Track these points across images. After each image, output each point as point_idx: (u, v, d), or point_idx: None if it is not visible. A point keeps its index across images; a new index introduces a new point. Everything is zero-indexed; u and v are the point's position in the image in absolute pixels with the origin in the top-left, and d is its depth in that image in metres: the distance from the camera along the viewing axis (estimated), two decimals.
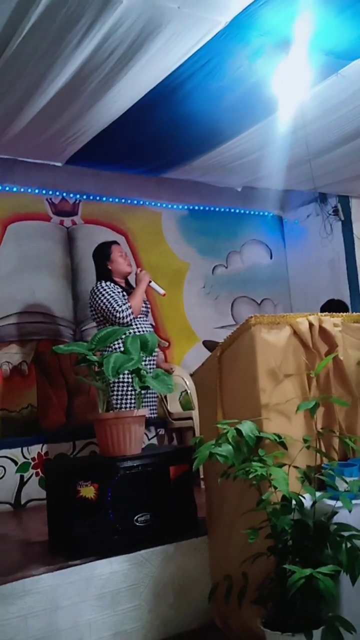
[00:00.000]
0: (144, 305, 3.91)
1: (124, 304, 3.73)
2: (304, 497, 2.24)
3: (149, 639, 2.66)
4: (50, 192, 4.92)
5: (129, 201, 5.29)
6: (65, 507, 2.81)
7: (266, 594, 2.23)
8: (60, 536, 2.88)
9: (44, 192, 4.89)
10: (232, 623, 2.60)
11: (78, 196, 5.04)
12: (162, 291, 4.01)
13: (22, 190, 4.77)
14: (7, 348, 4.55)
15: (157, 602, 2.71)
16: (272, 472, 2.17)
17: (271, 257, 6.09)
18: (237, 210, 5.89)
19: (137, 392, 3.02)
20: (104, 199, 5.17)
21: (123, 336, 3.23)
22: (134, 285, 4.01)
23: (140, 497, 2.79)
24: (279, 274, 6.10)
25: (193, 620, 2.77)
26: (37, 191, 4.85)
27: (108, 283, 3.86)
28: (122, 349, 3.48)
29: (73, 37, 2.84)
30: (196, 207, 5.65)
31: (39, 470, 4.42)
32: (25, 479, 4.37)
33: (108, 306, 3.72)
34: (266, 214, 6.11)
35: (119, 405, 3.62)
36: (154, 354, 3.28)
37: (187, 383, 4.71)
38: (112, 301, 3.73)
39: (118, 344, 3.57)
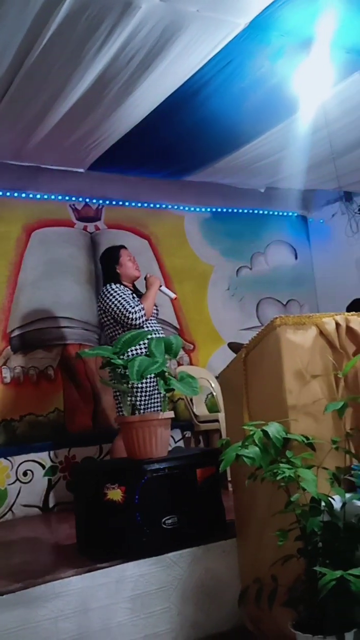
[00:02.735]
0: (154, 308, 3.91)
1: (137, 306, 3.72)
2: (333, 499, 2.22)
3: None
4: (74, 198, 4.96)
5: (152, 205, 5.31)
6: (92, 510, 2.83)
7: (297, 597, 2.21)
8: (88, 539, 2.89)
9: (67, 198, 4.93)
10: (263, 626, 2.58)
11: (101, 201, 5.08)
12: (172, 295, 4.03)
13: (45, 197, 4.82)
14: (34, 353, 4.60)
15: (187, 605, 2.70)
16: (300, 473, 2.16)
17: (296, 258, 6.05)
18: (261, 211, 5.87)
19: (162, 394, 3.02)
20: (127, 203, 5.20)
21: (146, 339, 3.22)
22: (140, 290, 4.01)
23: (167, 500, 2.78)
24: (304, 274, 6.06)
25: (223, 623, 2.76)
26: (60, 197, 4.90)
27: (118, 285, 3.85)
28: (141, 352, 3.49)
29: (94, 44, 2.87)
30: (219, 210, 5.64)
31: (66, 473, 4.45)
32: (53, 483, 4.41)
33: (120, 308, 3.70)
34: (290, 214, 6.08)
35: (143, 408, 3.62)
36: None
37: (213, 385, 4.70)
38: (124, 303, 3.71)
39: (140, 347, 3.54)
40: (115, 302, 3.74)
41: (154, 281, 3.93)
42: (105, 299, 3.80)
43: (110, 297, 3.77)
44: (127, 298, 3.75)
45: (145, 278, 3.99)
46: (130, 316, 3.67)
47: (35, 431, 4.47)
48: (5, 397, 4.42)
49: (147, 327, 3.76)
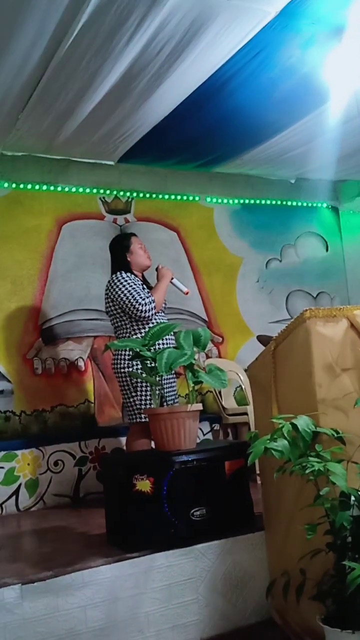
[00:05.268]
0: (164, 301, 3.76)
1: (147, 297, 3.54)
2: None
3: (207, 633, 2.66)
4: (103, 191, 4.99)
5: (181, 197, 5.30)
6: (122, 500, 2.85)
7: (325, 591, 2.20)
8: (117, 529, 2.91)
9: (97, 191, 4.96)
10: (291, 619, 2.58)
11: (130, 194, 5.09)
12: (185, 289, 3.82)
13: (76, 189, 4.85)
14: (64, 344, 4.65)
15: (215, 597, 2.71)
16: (329, 467, 2.14)
17: (327, 249, 5.97)
18: (291, 203, 5.80)
19: (190, 387, 3.01)
20: (156, 195, 5.19)
21: (174, 331, 3.21)
22: (149, 281, 3.87)
23: (195, 492, 2.79)
24: (335, 266, 5.98)
25: (251, 615, 2.76)
26: (90, 190, 4.92)
27: (129, 274, 3.66)
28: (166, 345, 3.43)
29: (123, 35, 2.87)
30: (248, 201, 5.59)
31: (96, 464, 4.50)
32: (83, 473, 4.46)
33: (130, 298, 3.52)
34: (321, 205, 6.00)
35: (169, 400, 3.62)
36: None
37: (242, 378, 4.68)
38: (134, 293, 3.53)
39: (167, 339, 3.46)
40: (125, 291, 3.56)
41: (166, 273, 3.75)
42: (114, 287, 3.62)
43: (120, 286, 3.58)
44: (137, 288, 3.57)
45: (156, 269, 3.83)
46: (140, 307, 3.51)
47: (66, 422, 4.53)
48: (36, 388, 4.49)
49: (156, 320, 3.62)
